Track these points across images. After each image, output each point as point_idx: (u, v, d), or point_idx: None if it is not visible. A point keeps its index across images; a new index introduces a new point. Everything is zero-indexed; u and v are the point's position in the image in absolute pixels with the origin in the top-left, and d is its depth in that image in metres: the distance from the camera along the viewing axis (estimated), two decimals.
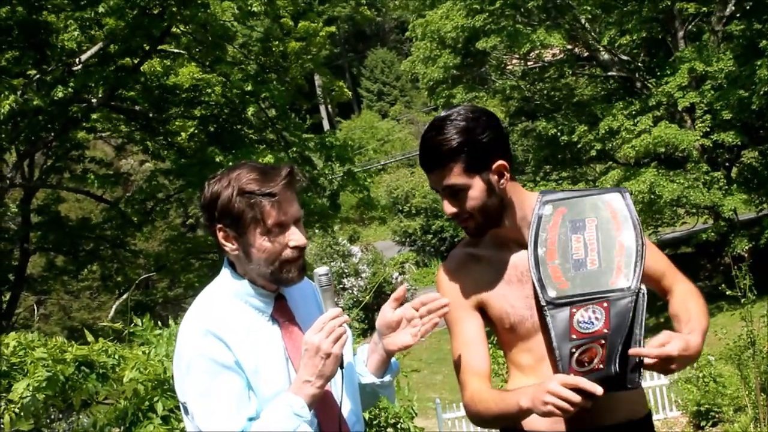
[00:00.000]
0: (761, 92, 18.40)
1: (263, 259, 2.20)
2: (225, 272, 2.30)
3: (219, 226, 2.22)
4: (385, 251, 31.59)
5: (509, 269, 2.45)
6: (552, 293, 2.31)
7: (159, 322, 4.17)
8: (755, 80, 18.52)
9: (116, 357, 3.72)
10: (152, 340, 3.82)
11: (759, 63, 18.56)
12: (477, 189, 2.35)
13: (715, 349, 11.85)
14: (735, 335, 9.64)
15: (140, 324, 3.96)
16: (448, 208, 2.39)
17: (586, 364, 2.20)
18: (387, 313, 2.36)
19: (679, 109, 20.74)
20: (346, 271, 28.54)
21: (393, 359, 2.44)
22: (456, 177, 2.34)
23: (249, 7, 14.67)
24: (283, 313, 2.29)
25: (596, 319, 2.23)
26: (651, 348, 2.19)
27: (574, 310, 2.26)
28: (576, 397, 2.13)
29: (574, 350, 2.22)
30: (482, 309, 2.49)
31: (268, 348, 2.22)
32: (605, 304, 2.24)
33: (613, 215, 2.40)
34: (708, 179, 20.37)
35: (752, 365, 9.18)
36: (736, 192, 20.37)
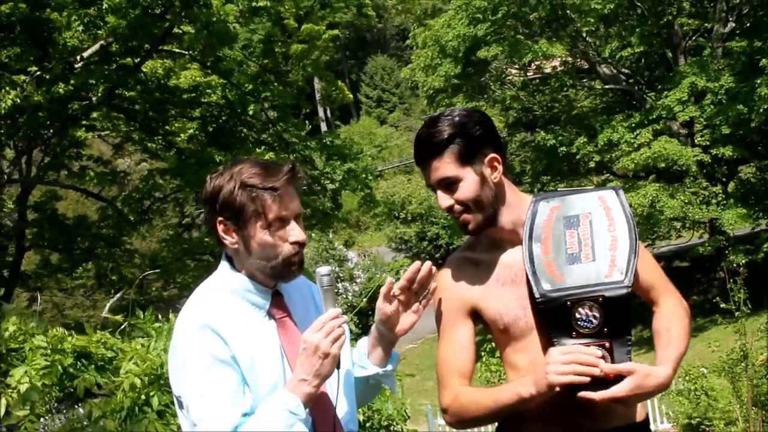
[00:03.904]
0: (761, 110, 18.46)
1: (263, 253, 2.21)
2: (223, 266, 2.30)
3: (219, 219, 2.23)
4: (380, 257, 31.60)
5: (503, 270, 2.45)
6: (546, 286, 2.30)
7: (159, 316, 4.17)
8: (755, 98, 18.58)
9: (114, 349, 3.72)
10: (151, 333, 3.82)
11: (759, 81, 18.63)
12: (470, 180, 2.37)
13: (708, 362, 11.85)
14: (728, 348, 9.65)
15: (142, 317, 3.96)
16: (444, 201, 2.39)
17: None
18: (384, 307, 2.37)
19: (678, 122, 20.79)
20: (341, 275, 28.54)
21: (394, 350, 2.45)
22: (449, 167, 2.35)
23: (255, 2, 14.57)
24: (279, 309, 2.29)
25: (594, 317, 2.23)
26: (602, 393, 2.18)
27: (570, 303, 2.25)
28: (585, 358, 2.15)
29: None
30: (477, 312, 2.49)
31: (263, 343, 2.23)
32: (600, 300, 2.24)
33: (607, 211, 2.40)
34: (706, 194, 20.41)
35: (745, 379, 9.19)
36: (734, 207, 20.41)
